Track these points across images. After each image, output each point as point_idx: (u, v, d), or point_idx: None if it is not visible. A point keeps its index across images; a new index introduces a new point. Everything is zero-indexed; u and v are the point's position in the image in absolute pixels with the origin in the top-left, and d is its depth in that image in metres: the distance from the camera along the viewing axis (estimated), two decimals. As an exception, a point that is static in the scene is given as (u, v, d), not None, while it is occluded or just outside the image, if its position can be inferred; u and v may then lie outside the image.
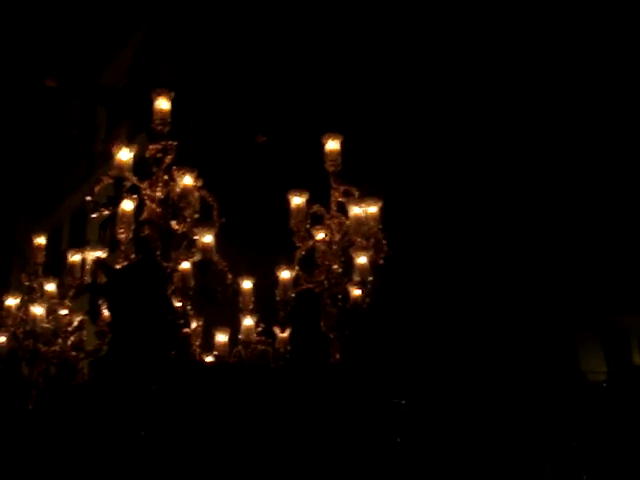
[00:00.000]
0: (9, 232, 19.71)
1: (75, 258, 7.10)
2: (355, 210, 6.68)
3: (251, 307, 7.17)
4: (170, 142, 6.04)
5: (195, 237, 5.77)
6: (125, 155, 5.83)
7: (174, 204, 5.70)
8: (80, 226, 17.58)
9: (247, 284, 7.16)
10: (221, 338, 7.30)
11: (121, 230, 6.02)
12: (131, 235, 6.04)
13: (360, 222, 6.63)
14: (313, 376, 6.27)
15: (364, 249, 6.45)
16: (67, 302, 7.06)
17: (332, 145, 7.03)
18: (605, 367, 22.49)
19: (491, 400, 16.91)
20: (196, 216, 5.82)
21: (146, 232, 5.70)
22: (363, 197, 6.77)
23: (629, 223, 20.70)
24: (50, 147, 21.87)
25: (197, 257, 5.65)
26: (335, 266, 6.69)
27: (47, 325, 6.96)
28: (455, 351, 14.78)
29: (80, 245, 7.32)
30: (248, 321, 7.26)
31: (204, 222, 5.72)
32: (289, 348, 7.15)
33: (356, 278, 6.42)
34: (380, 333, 6.47)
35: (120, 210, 6.10)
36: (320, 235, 6.80)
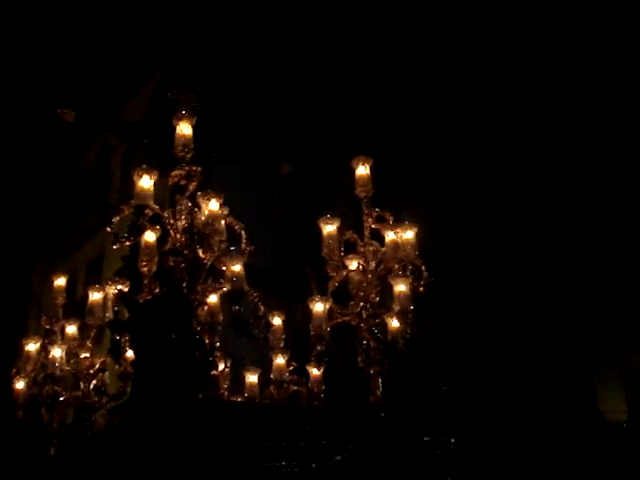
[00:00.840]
0: (25, 282, 19.44)
1: (96, 296, 6.75)
2: (390, 236, 6.28)
3: (282, 345, 6.78)
4: (194, 168, 5.67)
5: (223, 267, 5.36)
6: (147, 182, 5.47)
7: (200, 232, 5.30)
8: (96, 273, 17.28)
9: (277, 320, 6.76)
10: (251, 378, 6.87)
11: (144, 263, 5.64)
12: (154, 268, 5.65)
13: (396, 248, 6.23)
14: (352, 417, 5.78)
15: (403, 276, 6.02)
16: (88, 343, 6.68)
17: (362, 170, 6.68)
18: (625, 407, 21.60)
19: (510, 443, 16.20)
20: (223, 245, 5.42)
21: (170, 263, 5.29)
22: (397, 222, 6.39)
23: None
24: (65, 198, 21.76)
25: (227, 288, 5.23)
26: (372, 296, 6.29)
27: (67, 368, 6.57)
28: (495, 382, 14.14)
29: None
30: (280, 359, 6.86)
31: (232, 251, 5.30)
32: (323, 387, 6.76)
33: (396, 307, 5.98)
34: (422, 366, 5.99)
35: (142, 241, 5.74)
36: (354, 264, 6.42)
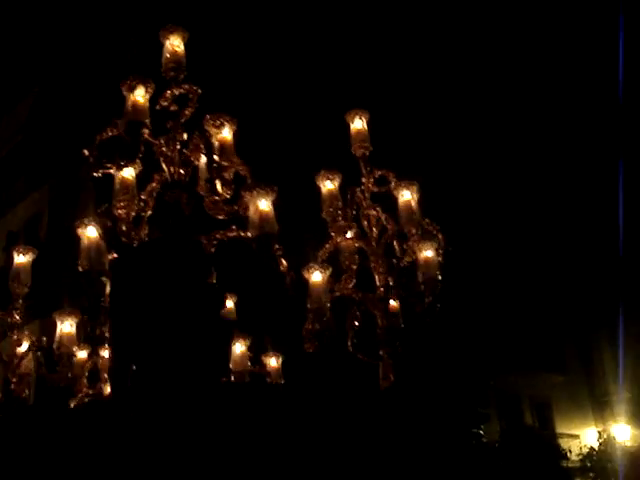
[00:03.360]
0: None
1: (21, 259, 5.33)
2: (406, 195, 5.33)
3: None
4: (194, 88, 4.47)
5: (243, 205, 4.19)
6: (141, 96, 4.21)
7: (217, 163, 4.11)
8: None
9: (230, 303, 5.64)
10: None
11: (121, 204, 4.38)
12: (134, 212, 4.38)
13: (412, 210, 5.29)
14: (364, 405, 4.74)
15: (429, 240, 5.08)
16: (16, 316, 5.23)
17: (359, 124, 5.72)
18: (498, 427, 21.78)
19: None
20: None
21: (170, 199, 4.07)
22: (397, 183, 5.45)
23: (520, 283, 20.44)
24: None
25: (252, 232, 4.07)
26: (378, 267, 5.30)
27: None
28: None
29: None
30: (240, 347, 5.75)
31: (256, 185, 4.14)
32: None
33: (421, 276, 5.02)
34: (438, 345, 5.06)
35: (118, 178, 4.46)
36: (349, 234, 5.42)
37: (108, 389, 6.54)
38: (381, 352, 5.11)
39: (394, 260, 5.03)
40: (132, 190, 4.47)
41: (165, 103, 4.49)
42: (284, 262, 4.31)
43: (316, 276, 5.18)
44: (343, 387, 5.36)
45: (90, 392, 6.25)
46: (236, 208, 4.20)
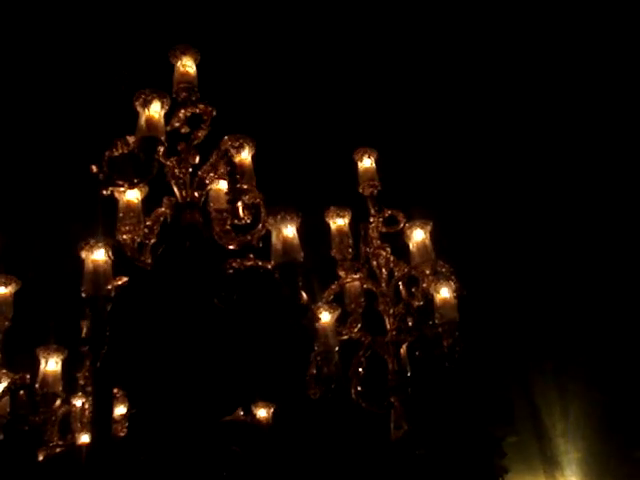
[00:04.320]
0: None
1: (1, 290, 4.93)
2: (419, 235, 5.09)
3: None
4: (209, 108, 4.21)
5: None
6: (156, 111, 3.93)
7: (238, 188, 3.82)
8: None
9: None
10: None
11: (127, 228, 4.06)
12: (139, 237, 4.06)
13: (427, 250, 5.04)
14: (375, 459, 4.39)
15: (445, 280, 4.81)
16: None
17: (367, 162, 5.50)
18: None
19: None
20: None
21: (187, 220, 3.76)
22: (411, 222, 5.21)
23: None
24: None
25: (275, 260, 3.75)
26: (391, 311, 5.02)
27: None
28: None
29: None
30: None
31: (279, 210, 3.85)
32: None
33: (439, 320, 4.73)
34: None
35: (122, 201, 4.15)
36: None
37: (84, 439, 6.08)
38: (392, 399, 4.79)
39: (410, 301, 4.71)
40: (138, 214, 4.14)
41: (177, 124, 4.20)
42: (304, 295, 3.98)
43: (324, 317, 4.88)
44: (349, 438, 4.98)
45: (61, 442, 5.82)
46: (249, 238, 3.89)
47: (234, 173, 3.78)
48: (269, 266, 3.90)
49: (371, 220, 5.36)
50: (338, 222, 5.12)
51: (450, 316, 4.68)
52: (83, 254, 3.81)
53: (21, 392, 4.61)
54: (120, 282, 3.73)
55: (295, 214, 3.80)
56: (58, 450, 6.17)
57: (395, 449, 4.50)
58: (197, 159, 4.22)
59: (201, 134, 4.28)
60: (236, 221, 3.80)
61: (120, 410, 5.97)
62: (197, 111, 4.21)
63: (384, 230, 5.33)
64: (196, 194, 4.01)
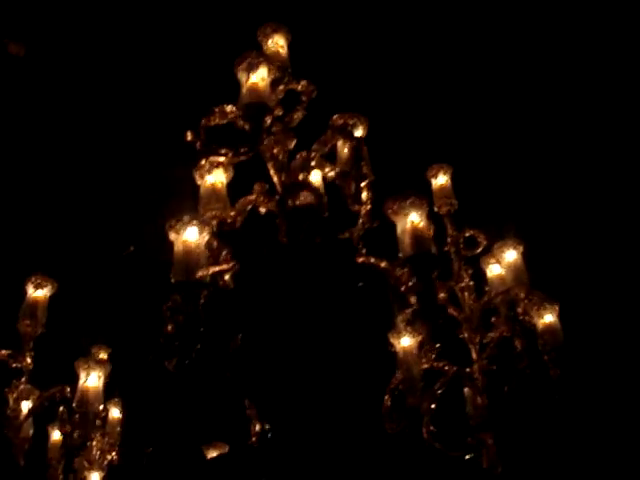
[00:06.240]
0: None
1: (38, 293, 4.30)
2: (511, 256, 4.58)
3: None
4: (310, 85, 3.72)
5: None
6: (262, 76, 3.42)
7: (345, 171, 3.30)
8: None
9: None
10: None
11: (214, 212, 3.50)
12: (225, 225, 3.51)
13: (520, 271, 4.53)
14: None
15: (550, 303, 4.29)
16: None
17: (442, 179, 5.05)
18: None
19: None
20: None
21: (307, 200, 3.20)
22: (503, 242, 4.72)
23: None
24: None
25: (404, 253, 3.20)
26: (477, 339, 4.46)
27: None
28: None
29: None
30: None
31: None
32: None
33: (544, 346, 4.19)
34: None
35: (205, 184, 3.61)
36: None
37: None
38: (483, 437, 4.18)
39: (518, 325, 4.17)
40: (224, 199, 3.58)
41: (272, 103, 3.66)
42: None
43: (405, 341, 4.33)
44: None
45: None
46: (365, 224, 3.35)
47: (357, 154, 3.25)
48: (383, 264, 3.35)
49: (449, 240, 4.87)
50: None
51: (556, 342, 4.15)
52: (172, 234, 3.22)
53: (60, 408, 3.91)
54: (219, 269, 3.13)
55: (423, 199, 3.27)
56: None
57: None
58: (293, 143, 3.68)
59: (297, 116, 3.76)
60: (356, 206, 3.25)
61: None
62: (298, 88, 3.69)
63: (464, 252, 4.83)
64: (300, 176, 3.45)
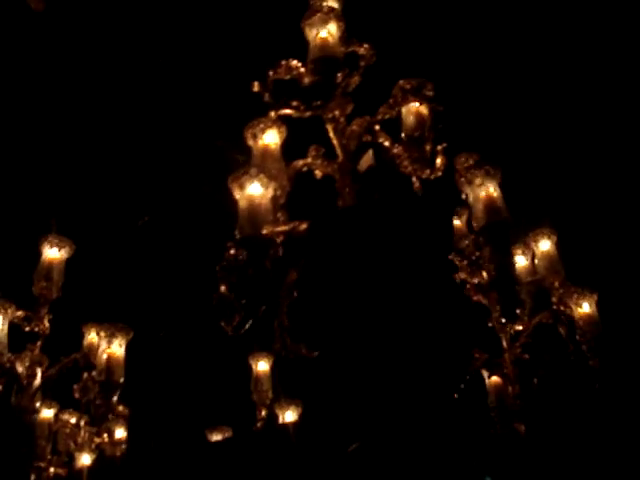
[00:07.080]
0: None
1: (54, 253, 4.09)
2: (545, 245, 4.50)
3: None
4: (372, 49, 3.59)
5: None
6: (331, 31, 3.29)
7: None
8: None
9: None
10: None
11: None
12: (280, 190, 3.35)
13: (554, 260, 4.45)
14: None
15: (586, 292, 4.22)
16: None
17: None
18: None
19: None
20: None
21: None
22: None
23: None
24: None
25: (478, 222, 3.08)
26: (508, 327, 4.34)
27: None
28: None
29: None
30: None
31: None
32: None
33: (583, 336, 4.10)
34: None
35: (259, 145, 3.45)
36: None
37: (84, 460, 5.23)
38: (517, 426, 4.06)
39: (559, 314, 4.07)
40: (279, 160, 3.41)
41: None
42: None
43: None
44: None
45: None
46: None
47: (435, 117, 3.13)
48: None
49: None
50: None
51: (595, 332, 4.07)
52: (236, 192, 3.05)
53: (84, 375, 3.67)
54: (290, 227, 2.97)
55: (496, 169, 3.16)
56: (52, 473, 5.18)
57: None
58: (351, 108, 3.53)
59: (354, 81, 3.60)
60: (429, 173, 3.11)
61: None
62: (361, 51, 3.55)
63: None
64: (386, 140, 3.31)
